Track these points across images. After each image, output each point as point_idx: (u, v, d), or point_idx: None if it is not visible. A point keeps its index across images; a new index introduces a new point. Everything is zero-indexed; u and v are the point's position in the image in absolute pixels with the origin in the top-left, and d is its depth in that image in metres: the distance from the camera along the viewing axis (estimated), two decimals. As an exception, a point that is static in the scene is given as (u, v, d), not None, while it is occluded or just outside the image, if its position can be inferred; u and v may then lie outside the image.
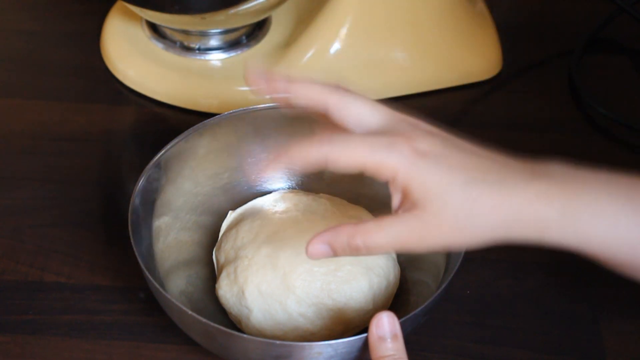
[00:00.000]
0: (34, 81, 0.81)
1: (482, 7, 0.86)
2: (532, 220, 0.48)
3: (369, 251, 0.49)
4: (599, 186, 0.49)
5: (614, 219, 0.48)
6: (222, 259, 0.62)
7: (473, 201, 0.47)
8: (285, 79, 0.52)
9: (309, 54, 0.77)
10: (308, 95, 0.51)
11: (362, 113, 0.50)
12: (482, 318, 0.65)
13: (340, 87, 0.51)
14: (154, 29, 0.82)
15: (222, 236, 0.64)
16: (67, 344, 0.62)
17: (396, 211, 0.49)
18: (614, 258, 0.50)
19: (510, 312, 0.65)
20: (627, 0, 0.84)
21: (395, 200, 0.49)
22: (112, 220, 0.70)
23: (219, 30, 0.79)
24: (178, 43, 0.80)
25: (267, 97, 0.52)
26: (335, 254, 0.50)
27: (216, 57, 0.80)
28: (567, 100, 0.82)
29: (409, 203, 0.48)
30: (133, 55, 0.80)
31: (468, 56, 0.81)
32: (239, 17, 0.76)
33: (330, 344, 0.52)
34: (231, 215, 0.65)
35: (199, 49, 0.80)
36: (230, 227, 0.63)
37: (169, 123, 0.79)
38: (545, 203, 0.48)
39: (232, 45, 0.81)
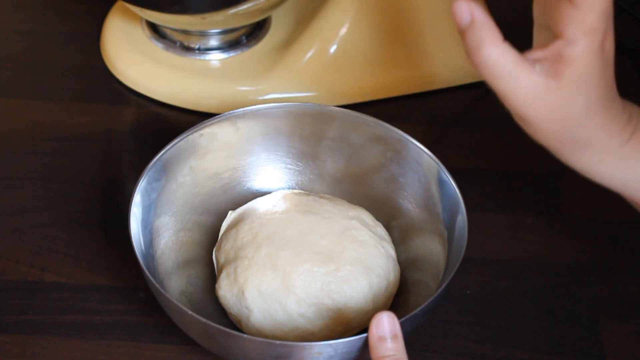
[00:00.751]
0: (34, 81, 0.81)
1: (482, 7, 0.85)
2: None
3: (486, 68, 0.49)
4: None
5: None
6: (222, 259, 0.62)
7: (590, 121, 0.49)
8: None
9: (309, 54, 0.77)
10: None
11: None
12: (482, 318, 0.65)
13: None
14: (154, 29, 0.82)
15: (222, 236, 0.64)
16: (67, 344, 0.62)
17: (536, 59, 0.50)
18: None
19: (510, 312, 0.65)
20: (627, 0, 0.84)
21: (542, 54, 0.50)
22: (112, 220, 0.70)
23: (218, 30, 0.79)
24: (178, 43, 0.80)
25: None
26: (471, 25, 0.50)
27: (216, 57, 0.80)
28: (567, 100, 0.82)
29: (552, 69, 0.49)
30: (133, 55, 0.80)
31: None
32: (239, 17, 0.76)
33: (330, 344, 0.52)
34: (231, 215, 0.65)
35: (199, 49, 0.80)
36: (230, 227, 0.63)
37: (169, 123, 0.79)
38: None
39: (232, 45, 0.81)
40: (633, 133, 0.52)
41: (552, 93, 0.49)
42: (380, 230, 0.63)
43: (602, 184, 0.54)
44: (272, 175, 0.67)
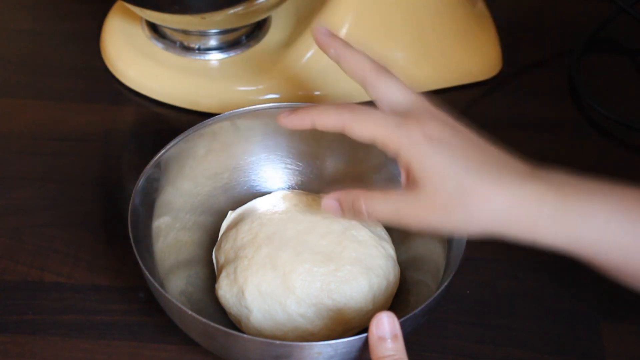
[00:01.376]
0: (34, 81, 0.81)
1: (482, 7, 0.86)
2: (523, 219, 0.50)
3: (369, 216, 0.54)
4: (594, 192, 0.50)
5: (604, 223, 0.49)
6: (221, 259, 0.62)
7: (465, 189, 0.50)
8: (343, 44, 0.57)
9: (309, 54, 0.77)
10: (353, 64, 0.56)
11: (392, 93, 0.55)
12: (482, 318, 0.65)
13: (383, 67, 0.56)
14: (154, 29, 0.82)
15: (221, 236, 0.64)
16: (67, 344, 0.62)
17: (403, 188, 0.53)
18: (605, 262, 0.51)
19: (510, 312, 0.65)
20: (627, 0, 0.84)
21: (403, 178, 0.53)
22: (112, 220, 0.70)
23: (218, 30, 0.79)
24: (178, 43, 0.80)
25: (325, 51, 0.57)
26: (342, 212, 0.55)
27: (216, 57, 0.80)
28: (567, 100, 0.82)
29: (410, 181, 0.51)
30: (133, 55, 0.80)
31: (468, 56, 0.81)
32: (239, 17, 0.76)
33: (330, 344, 0.52)
34: (231, 216, 0.65)
35: (198, 49, 0.80)
36: (230, 227, 0.63)
37: (169, 123, 0.79)
38: (538, 203, 0.49)
39: (231, 45, 0.81)
40: (531, 174, 0.51)
41: (421, 198, 0.51)
42: (380, 230, 0.63)
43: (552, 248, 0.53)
44: (272, 175, 0.67)
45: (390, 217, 0.53)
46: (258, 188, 0.67)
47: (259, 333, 0.58)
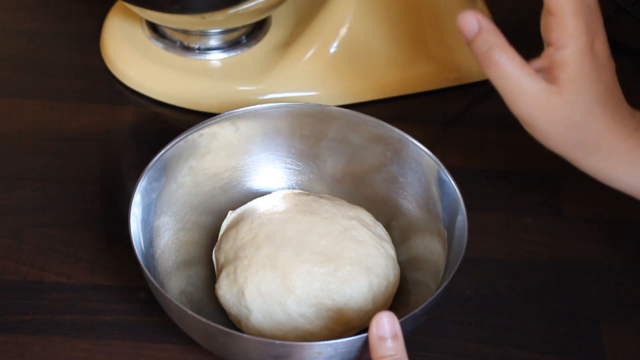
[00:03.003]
0: (34, 81, 0.81)
1: (482, 7, 0.86)
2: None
3: (495, 67, 0.51)
4: None
5: None
6: (221, 259, 0.62)
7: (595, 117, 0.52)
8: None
9: (309, 54, 0.77)
10: None
11: None
12: (482, 318, 0.65)
13: None
14: (154, 29, 0.82)
15: (221, 236, 0.64)
16: (67, 344, 0.62)
17: (536, 68, 0.52)
18: None
19: (510, 312, 0.65)
20: (627, 0, 0.84)
21: (539, 63, 0.53)
22: (112, 220, 0.70)
23: (218, 30, 0.79)
24: (178, 43, 0.80)
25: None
26: (473, 40, 0.52)
27: (216, 57, 0.80)
28: (567, 100, 0.82)
29: (549, 74, 0.51)
30: (133, 55, 0.80)
31: (468, 56, 0.81)
32: (239, 17, 0.76)
33: (330, 344, 0.52)
34: (231, 216, 0.65)
35: (199, 49, 0.80)
36: (230, 227, 0.63)
37: (169, 123, 0.79)
38: None
39: (232, 45, 0.81)
40: None
41: (553, 97, 0.51)
42: (380, 230, 0.63)
43: (617, 188, 0.55)
44: (272, 175, 0.67)
45: (512, 86, 0.52)
46: (258, 188, 0.67)
47: (258, 333, 0.58)
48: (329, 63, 0.78)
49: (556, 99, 0.51)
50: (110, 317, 0.63)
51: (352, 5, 0.76)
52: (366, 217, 0.63)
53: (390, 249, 0.62)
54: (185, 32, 0.79)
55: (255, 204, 0.65)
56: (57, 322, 0.63)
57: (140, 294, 0.64)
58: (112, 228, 0.69)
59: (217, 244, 0.64)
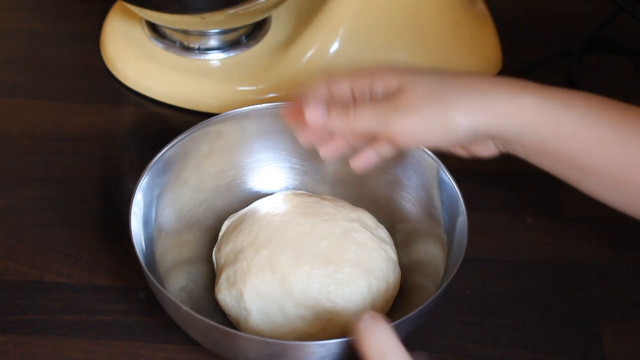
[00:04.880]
0: (34, 81, 0.81)
1: (482, 7, 0.86)
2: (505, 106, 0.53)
3: (355, 120, 0.54)
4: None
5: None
6: (221, 261, 0.62)
7: (440, 85, 0.54)
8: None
9: (309, 54, 0.77)
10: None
11: None
12: (482, 318, 0.65)
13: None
14: (154, 29, 0.82)
15: (221, 238, 0.64)
16: (67, 344, 0.62)
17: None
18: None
19: (510, 312, 0.65)
20: (627, 0, 0.84)
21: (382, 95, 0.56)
22: (112, 220, 0.70)
23: (218, 30, 0.79)
24: (178, 43, 0.80)
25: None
26: (328, 116, 0.55)
27: (216, 57, 0.80)
28: (567, 100, 0.82)
29: (391, 94, 0.55)
30: (133, 55, 0.80)
31: (468, 56, 0.81)
32: (239, 17, 0.76)
33: (322, 344, 0.52)
34: (231, 218, 0.65)
35: (198, 49, 0.80)
36: (230, 230, 0.63)
37: (169, 123, 0.79)
38: (518, 90, 0.54)
39: (231, 45, 0.81)
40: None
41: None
42: (382, 232, 0.63)
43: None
44: (275, 174, 0.67)
45: (377, 119, 0.54)
46: (260, 188, 0.67)
47: (257, 335, 0.58)
48: (329, 63, 0.78)
49: (404, 97, 0.54)
50: (110, 317, 0.63)
51: (352, 5, 0.76)
52: (368, 219, 0.63)
53: (391, 252, 0.62)
54: (185, 32, 0.79)
55: (256, 205, 0.65)
56: (57, 322, 0.63)
57: (140, 294, 0.64)
58: (112, 228, 0.69)
59: (216, 245, 0.64)
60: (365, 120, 0.54)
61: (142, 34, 0.82)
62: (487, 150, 0.58)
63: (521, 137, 0.54)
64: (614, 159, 0.53)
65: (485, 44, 0.83)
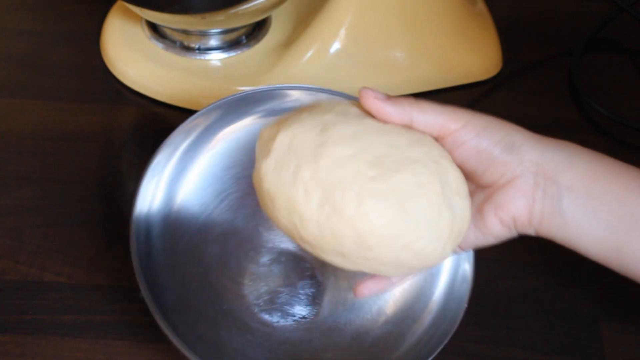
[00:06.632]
0: (34, 81, 0.81)
1: (482, 7, 0.86)
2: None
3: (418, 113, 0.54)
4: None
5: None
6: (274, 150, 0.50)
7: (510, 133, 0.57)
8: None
9: (309, 54, 0.77)
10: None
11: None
12: (482, 318, 0.65)
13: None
14: (154, 29, 0.82)
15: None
16: (67, 344, 0.62)
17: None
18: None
19: (510, 312, 0.65)
20: (627, 0, 0.84)
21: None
22: (112, 220, 0.70)
23: (218, 30, 0.79)
24: (178, 43, 0.80)
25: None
26: (386, 101, 0.52)
27: (216, 57, 0.80)
28: (567, 100, 0.82)
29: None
30: (133, 55, 0.80)
31: (468, 56, 0.81)
32: (239, 17, 0.76)
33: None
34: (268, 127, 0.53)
35: (199, 49, 0.80)
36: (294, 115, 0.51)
37: (169, 123, 0.79)
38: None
39: (232, 45, 0.81)
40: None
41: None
42: (457, 201, 0.51)
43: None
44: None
45: (436, 115, 0.56)
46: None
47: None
48: (329, 63, 0.78)
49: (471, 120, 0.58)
50: (110, 317, 0.64)
51: (352, 5, 0.76)
52: (455, 180, 0.52)
53: (448, 223, 0.50)
54: (185, 32, 0.79)
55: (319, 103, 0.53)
56: (57, 322, 0.63)
57: (140, 294, 0.64)
58: (112, 228, 0.69)
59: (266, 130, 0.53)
60: (427, 111, 0.57)
61: (142, 34, 0.82)
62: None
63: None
64: None
65: (485, 44, 0.83)
